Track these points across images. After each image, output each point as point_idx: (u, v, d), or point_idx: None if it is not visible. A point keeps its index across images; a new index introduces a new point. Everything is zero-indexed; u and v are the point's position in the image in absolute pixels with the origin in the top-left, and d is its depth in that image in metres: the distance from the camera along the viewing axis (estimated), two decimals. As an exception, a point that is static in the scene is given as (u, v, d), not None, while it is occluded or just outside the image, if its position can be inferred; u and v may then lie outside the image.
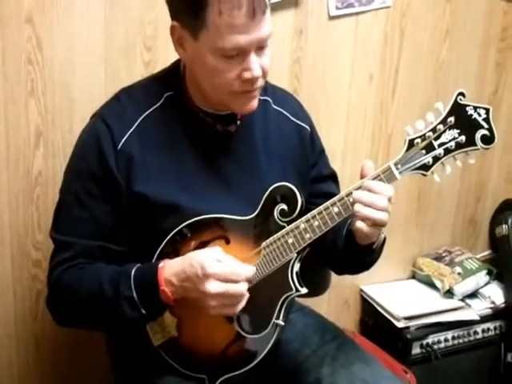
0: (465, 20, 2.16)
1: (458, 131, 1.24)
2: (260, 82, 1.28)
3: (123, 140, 1.30)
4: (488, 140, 1.25)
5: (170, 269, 1.24)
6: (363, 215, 1.22)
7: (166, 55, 1.70)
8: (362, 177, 1.27)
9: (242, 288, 1.23)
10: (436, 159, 1.25)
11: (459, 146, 1.25)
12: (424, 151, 1.25)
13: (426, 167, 1.25)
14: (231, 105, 1.31)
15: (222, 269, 1.21)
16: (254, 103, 1.31)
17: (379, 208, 1.22)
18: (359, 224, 1.23)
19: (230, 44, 1.20)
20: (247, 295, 1.27)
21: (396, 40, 2.07)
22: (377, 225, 1.23)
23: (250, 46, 1.22)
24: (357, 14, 1.98)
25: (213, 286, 1.20)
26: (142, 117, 1.33)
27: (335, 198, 1.27)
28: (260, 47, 1.24)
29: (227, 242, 1.31)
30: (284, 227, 1.29)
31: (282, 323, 1.33)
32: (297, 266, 1.32)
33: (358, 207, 1.23)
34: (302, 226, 1.28)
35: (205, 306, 1.23)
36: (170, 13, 1.28)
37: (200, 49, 1.24)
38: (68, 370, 1.85)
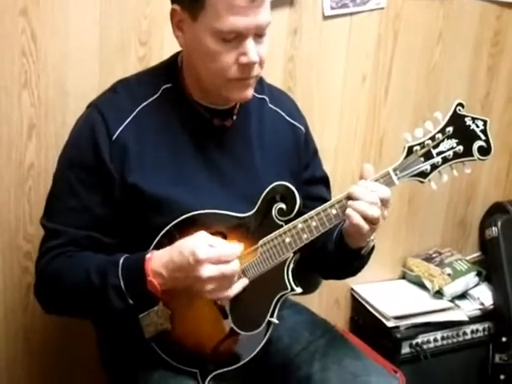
0: (458, 23, 2.17)
1: (456, 141, 1.27)
2: (256, 71, 1.27)
3: (118, 131, 1.30)
4: (485, 151, 1.28)
5: (158, 260, 1.23)
6: (353, 207, 1.24)
7: (160, 50, 1.71)
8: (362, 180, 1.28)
9: (235, 267, 1.22)
10: (434, 167, 1.27)
11: (457, 155, 1.27)
12: (422, 159, 1.27)
13: (423, 174, 1.27)
14: (226, 93, 1.30)
15: (212, 252, 1.20)
16: (249, 92, 1.31)
17: (369, 202, 1.23)
18: (351, 213, 1.24)
19: (228, 26, 1.20)
20: (245, 280, 1.28)
21: (389, 41, 2.08)
22: (368, 220, 1.24)
23: (247, 30, 1.22)
24: (351, 14, 1.99)
25: (207, 271, 1.19)
26: (139, 108, 1.33)
27: (334, 200, 1.28)
28: (258, 35, 1.24)
29: (224, 238, 1.30)
30: (281, 226, 1.29)
31: (276, 321, 1.33)
32: (292, 266, 1.32)
33: (350, 202, 1.25)
34: (300, 226, 1.28)
35: (200, 291, 1.22)
36: None
37: (199, 31, 1.24)
38: (58, 361, 1.84)
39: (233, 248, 1.24)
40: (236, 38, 1.23)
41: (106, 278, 1.25)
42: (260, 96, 1.45)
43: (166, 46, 1.69)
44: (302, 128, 1.50)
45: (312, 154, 1.54)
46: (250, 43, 1.23)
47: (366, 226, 1.25)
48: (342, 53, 2.02)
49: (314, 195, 1.50)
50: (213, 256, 1.20)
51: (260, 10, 1.22)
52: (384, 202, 1.26)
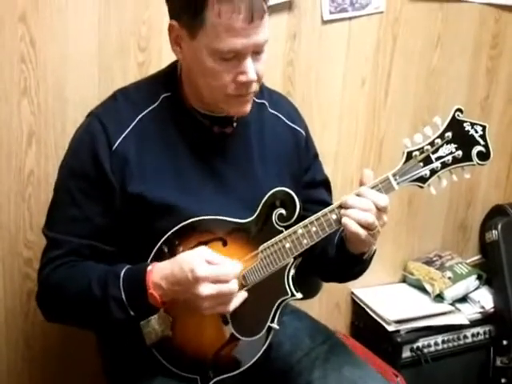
0: (457, 27, 2.17)
1: (455, 146, 1.27)
2: (254, 87, 1.29)
3: (118, 141, 1.30)
4: (484, 156, 1.28)
5: (158, 272, 1.24)
6: (348, 216, 1.24)
7: (159, 56, 1.72)
8: (361, 185, 1.28)
9: (233, 286, 1.23)
10: (433, 172, 1.27)
11: (456, 160, 1.27)
12: (422, 164, 1.27)
13: (423, 179, 1.28)
14: (225, 107, 1.31)
15: (211, 271, 1.20)
16: (248, 107, 1.32)
17: (363, 209, 1.24)
18: (347, 222, 1.24)
19: (226, 46, 1.21)
20: (244, 294, 1.28)
21: (388, 45, 2.08)
22: (364, 227, 1.24)
23: (246, 50, 1.22)
24: (350, 18, 1.99)
25: (204, 289, 1.19)
26: (139, 117, 1.33)
27: (333, 205, 1.28)
28: (256, 52, 1.25)
29: (224, 244, 1.31)
30: (282, 232, 1.29)
31: (277, 327, 1.33)
32: (293, 271, 1.32)
33: (343, 211, 1.25)
34: (300, 231, 1.28)
35: (198, 307, 1.23)
36: (168, 11, 1.29)
37: (197, 49, 1.24)
38: (58, 369, 1.84)
39: (232, 267, 1.24)
40: (234, 57, 1.23)
41: (107, 289, 1.25)
42: (260, 101, 1.45)
43: (165, 50, 1.68)
44: (302, 131, 1.51)
45: (312, 157, 1.55)
46: (248, 62, 1.24)
47: (364, 233, 1.25)
48: (342, 57, 2.03)
49: (314, 198, 1.50)
50: (211, 275, 1.20)
51: (259, 29, 1.22)
52: (382, 209, 1.26)
